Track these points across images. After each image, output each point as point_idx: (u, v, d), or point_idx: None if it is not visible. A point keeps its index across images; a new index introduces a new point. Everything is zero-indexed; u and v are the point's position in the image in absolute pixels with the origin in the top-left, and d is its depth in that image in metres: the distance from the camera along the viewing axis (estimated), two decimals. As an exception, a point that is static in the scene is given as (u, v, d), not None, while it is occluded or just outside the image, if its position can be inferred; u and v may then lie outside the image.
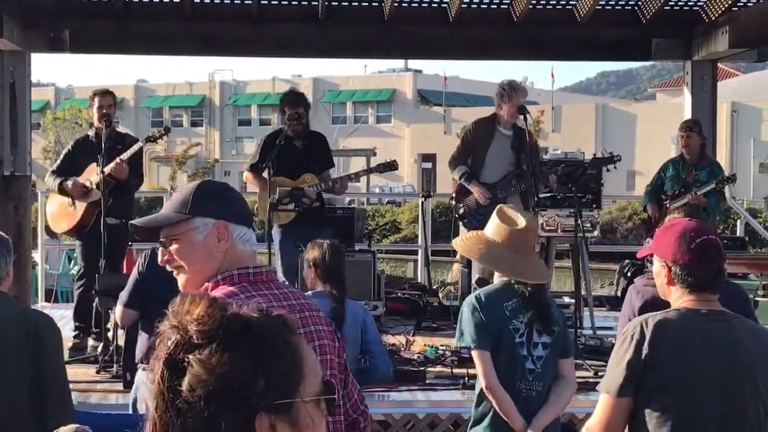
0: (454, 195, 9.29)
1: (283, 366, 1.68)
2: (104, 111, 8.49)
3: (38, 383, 4.29)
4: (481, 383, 4.66)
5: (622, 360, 3.42)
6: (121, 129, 9.06)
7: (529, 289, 4.66)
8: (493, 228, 4.81)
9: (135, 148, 8.28)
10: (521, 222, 4.78)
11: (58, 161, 8.89)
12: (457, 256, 10.44)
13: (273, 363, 1.67)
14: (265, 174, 8.41)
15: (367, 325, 6.35)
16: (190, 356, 1.65)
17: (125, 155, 8.19)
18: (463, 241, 5.08)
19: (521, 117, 8.87)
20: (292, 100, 9.00)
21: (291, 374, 1.69)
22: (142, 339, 5.86)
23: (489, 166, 9.05)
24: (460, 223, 9.18)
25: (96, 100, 8.55)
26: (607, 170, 9.14)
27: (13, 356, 4.30)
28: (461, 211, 9.08)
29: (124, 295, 6.02)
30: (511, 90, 8.96)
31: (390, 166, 8.85)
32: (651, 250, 3.71)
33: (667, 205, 9.24)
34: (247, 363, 1.64)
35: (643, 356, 3.38)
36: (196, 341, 1.67)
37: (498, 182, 8.97)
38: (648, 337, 3.39)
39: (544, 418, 4.64)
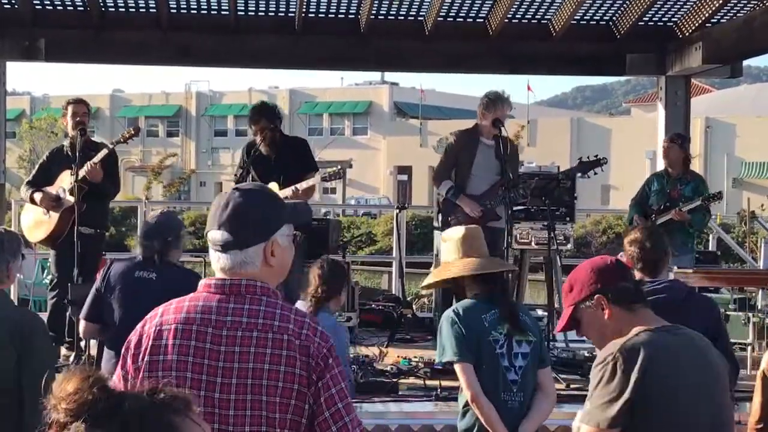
0: (441, 207, 9.03)
1: None
2: (78, 119, 8.47)
3: (19, 387, 4.28)
4: (466, 395, 4.67)
5: (605, 393, 3.39)
6: (96, 138, 9.02)
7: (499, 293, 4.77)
8: (445, 251, 5.00)
9: (107, 150, 8.27)
10: (460, 232, 5.00)
11: (33, 172, 8.88)
12: (432, 269, 10.45)
13: None
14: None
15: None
16: None
17: (97, 158, 8.17)
18: (433, 275, 5.19)
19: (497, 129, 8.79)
20: (252, 117, 8.78)
21: None
22: (108, 356, 5.88)
23: (475, 178, 8.87)
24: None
25: (69, 108, 8.54)
26: (594, 173, 9.01)
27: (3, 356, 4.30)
28: (451, 224, 8.77)
29: (84, 309, 6.08)
30: (497, 100, 8.79)
31: (337, 175, 8.71)
32: (573, 300, 3.68)
33: (653, 219, 9.19)
34: None
35: (628, 386, 3.35)
36: (63, 421, 1.60)
37: (485, 193, 8.80)
38: (633, 366, 3.37)
39: (529, 429, 4.67)
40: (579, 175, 9.15)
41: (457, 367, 4.69)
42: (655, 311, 4.34)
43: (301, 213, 3.47)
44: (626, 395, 3.35)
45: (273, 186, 8.48)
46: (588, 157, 9.02)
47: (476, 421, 4.65)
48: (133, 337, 2.93)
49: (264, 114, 8.80)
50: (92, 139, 9.01)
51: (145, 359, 2.86)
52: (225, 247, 2.91)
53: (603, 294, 3.60)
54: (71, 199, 8.14)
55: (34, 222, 8.61)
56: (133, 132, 8.70)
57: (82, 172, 8.08)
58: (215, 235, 2.92)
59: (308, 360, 2.81)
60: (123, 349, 2.94)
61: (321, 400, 2.80)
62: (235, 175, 8.90)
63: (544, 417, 4.86)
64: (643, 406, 3.37)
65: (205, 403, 2.79)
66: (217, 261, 2.94)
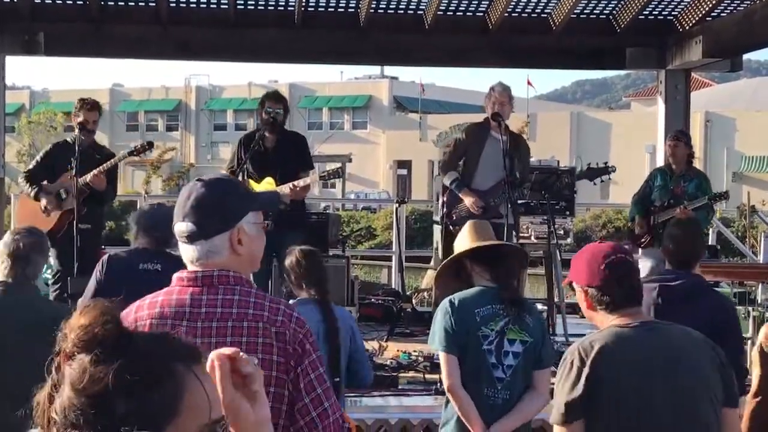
0: (445, 201, 8.93)
1: (155, 394, 1.57)
2: (88, 127, 8.47)
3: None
4: (444, 385, 4.72)
5: (565, 387, 3.47)
6: (96, 136, 9.00)
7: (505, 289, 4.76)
8: (458, 241, 5.09)
9: (115, 159, 8.31)
10: (469, 223, 5.17)
11: (34, 163, 8.87)
12: (431, 263, 10.47)
13: (142, 387, 1.57)
14: (243, 178, 8.40)
15: (354, 332, 6.29)
16: (66, 366, 1.59)
17: (105, 166, 8.22)
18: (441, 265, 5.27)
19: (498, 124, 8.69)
20: (274, 96, 8.91)
21: (163, 405, 1.58)
22: None
23: (481, 173, 8.69)
24: (451, 229, 8.89)
25: (81, 114, 8.46)
26: (602, 181, 9.00)
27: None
28: (453, 218, 8.68)
29: (82, 300, 6.03)
30: (491, 88, 8.64)
31: (336, 174, 8.70)
32: (569, 278, 3.80)
33: (656, 217, 9.18)
34: (112, 381, 1.55)
35: (583, 382, 3.42)
36: (70, 351, 1.60)
37: (490, 190, 8.62)
38: (588, 360, 3.44)
39: (505, 425, 4.65)
40: (586, 180, 9.12)
41: (440, 356, 4.75)
42: (678, 297, 4.43)
43: (269, 200, 3.46)
44: (579, 390, 3.41)
45: (269, 181, 8.49)
46: (597, 164, 8.97)
47: (456, 412, 4.68)
48: None
49: (282, 100, 8.88)
50: (96, 140, 9.00)
51: None
52: (190, 238, 2.93)
53: (585, 290, 3.65)
54: (72, 201, 8.18)
55: (33, 218, 8.60)
56: (147, 146, 8.73)
57: (87, 178, 8.12)
58: (180, 226, 2.95)
59: (285, 346, 2.82)
60: None
61: (300, 386, 2.81)
62: (231, 169, 8.89)
63: (527, 417, 4.81)
64: (595, 400, 3.42)
65: None
66: (186, 253, 2.96)
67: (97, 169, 8.21)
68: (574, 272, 3.74)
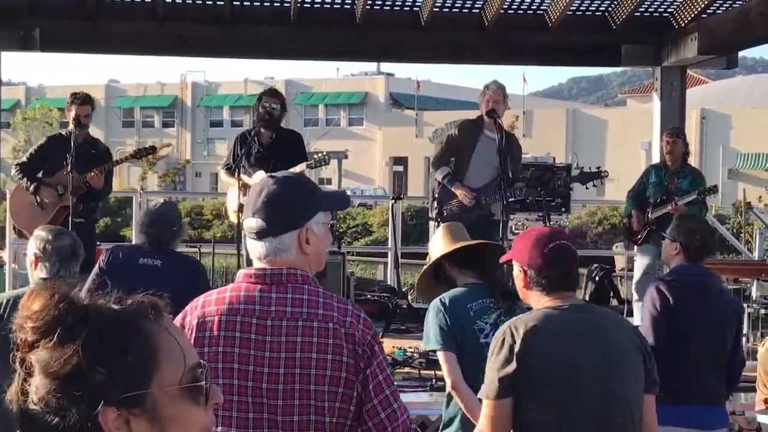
0: (437, 196, 8.86)
1: (129, 356, 1.57)
2: (81, 121, 8.45)
3: None
4: (446, 382, 4.70)
5: (495, 364, 3.60)
6: (90, 131, 8.99)
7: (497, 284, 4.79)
8: (433, 244, 5.16)
9: (117, 160, 8.33)
10: (440, 229, 5.20)
11: (27, 155, 8.85)
12: (427, 259, 10.46)
13: (114, 353, 1.56)
14: (238, 174, 8.43)
15: None
16: (31, 356, 1.58)
17: (105, 167, 8.26)
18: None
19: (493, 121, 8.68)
20: (271, 92, 8.95)
21: (140, 364, 1.58)
22: None
23: (473, 170, 8.65)
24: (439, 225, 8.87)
25: (74, 109, 8.43)
26: (594, 185, 9.01)
27: None
28: (444, 214, 8.60)
29: (83, 291, 6.04)
30: (486, 86, 8.63)
31: (323, 161, 8.70)
32: (509, 256, 3.95)
33: (649, 213, 9.20)
34: (82, 356, 1.54)
35: (515, 357, 3.54)
36: (31, 339, 1.58)
37: (482, 188, 8.57)
38: (519, 339, 3.56)
39: None
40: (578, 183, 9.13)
41: (439, 355, 4.70)
42: (698, 293, 4.50)
43: (339, 201, 3.43)
44: (510, 367, 3.54)
45: (260, 174, 8.49)
46: (590, 168, 8.98)
47: (460, 409, 4.67)
48: None
49: (278, 96, 8.91)
50: (91, 134, 9.00)
51: None
52: (260, 235, 2.91)
53: (524, 270, 3.80)
54: (68, 198, 8.19)
55: (29, 213, 8.60)
56: (150, 150, 8.73)
57: (87, 177, 8.14)
58: (250, 222, 2.93)
59: (354, 347, 2.81)
60: None
61: (369, 387, 2.80)
62: (226, 165, 8.91)
63: None
64: (524, 376, 3.55)
65: (253, 394, 2.81)
66: (254, 249, 2.94)
67: (98, 168, 8.21)
68: (516, 251, 3.87)
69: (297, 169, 8.26)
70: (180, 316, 2.93)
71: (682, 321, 4.95)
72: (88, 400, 1.55)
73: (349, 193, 45.45)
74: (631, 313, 9.42)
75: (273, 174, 3.04)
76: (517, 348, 3.54)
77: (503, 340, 3.59)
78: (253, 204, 2.94)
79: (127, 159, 8.54)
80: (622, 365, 3.63)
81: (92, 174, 8.17)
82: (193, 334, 2.85)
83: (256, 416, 2.82)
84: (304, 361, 2.80)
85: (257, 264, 2.95)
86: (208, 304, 2.92)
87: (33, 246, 4.90)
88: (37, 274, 4.87)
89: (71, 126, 8.46)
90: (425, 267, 5.17)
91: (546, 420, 3.57)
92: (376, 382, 2.81)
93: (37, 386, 1.57)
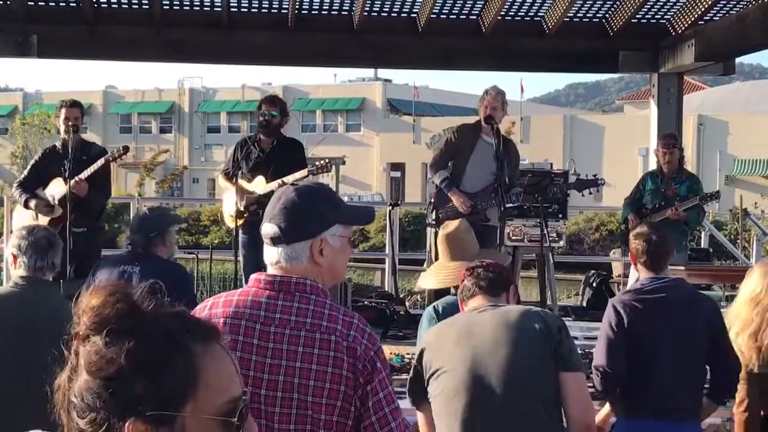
0: (433, 201, 8.90)
1: (169, 374, 1.55)
2: (70, 123, 8.42)
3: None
4: None
5: (411, 373, 4.13)
6: (87, 137, 8.98)
7: None
8: (440, 253, 5.36)
9: (95, 166, 8.22)
10: (446, 230, 5.32)
11: (25, 172, 8.84)
12: (425, 265, 10.46)
13: (158, 367, 1.55)
14: (236, 179, 8.43)
15: None
16: (80, 348, 1.58)
17: (84, 174, 8.13)
18: (436, 273, 5.31)
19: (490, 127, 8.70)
20: (270, 99, 8.97)
21: (179, 385, 1.56)
22: None
23: (470, 175, 8.67)
24: (437, 230, 8.86)
25: (62, 111, 8.43)
26: (590, 193, 9.01)
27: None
28: (441, 217, 8.54)
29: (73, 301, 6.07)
30: (485, 91, 8.66)
31: (324, 169, 8.69)
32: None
33: (648, 219, 9.17)
34: (124, 362, 1.53)
35: (416, 362, 4.13)
36: (85, 333, 1.59)
37: (479, 193, 8.60)
38: (425, 344, 4.11)
39: None
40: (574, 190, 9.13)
41: None
42: (656, 310, 4.46)
43: (358, 215, 3.34)
44: (416, 374, 4.13)
45: (260, 180, 8.49)
46: (586, 176, 8.99)
47: None
48: None
49: (278, 103, 8.90)
50: (83, 138, 8.95)
51: None
52: (274, 241, 2.93)
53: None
54: (60, 208, 8.17)
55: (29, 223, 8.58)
56: (122, 151, 8.64)
57: (71, 184, 8.08)
58: (266, 228, 2.95)
59: (355, 362, 2.79)
60: None
61: (369, 404, 2.79)
62: (225, 171, 8.90)
63: None
64: (431, 378, 4.04)
65: (251, 399, 2.80)
66: (268, 255, 2.96)
67: (77, 177, 8.14)
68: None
69: (298, 175, 8.26)
70: None
71: (642, 339, 4.79)
72: (122, 409, 1.54)
73: (346, 198, 45.48)
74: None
75: (296, 183, 3.08)
76: (417, 355, 4.18)
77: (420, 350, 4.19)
78: (271, 210, 2.95)
79: (104, 163, 8.42)
80: (521, 354, 3.88)
81: (73, 182, 8.10)
82: None
83: None
84: (303, 372, 2.80)
85: (270, 270, 2.96)
86: (215, 306, 2.94)
87: (9, 247, 4.96)
88: (15, 272, 4.89)
89: (62, 131, 8.45)
90: (428, 281, 5.21)
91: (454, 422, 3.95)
92: (375, 399, 2.80)
93: (80, 380, 1.57)
